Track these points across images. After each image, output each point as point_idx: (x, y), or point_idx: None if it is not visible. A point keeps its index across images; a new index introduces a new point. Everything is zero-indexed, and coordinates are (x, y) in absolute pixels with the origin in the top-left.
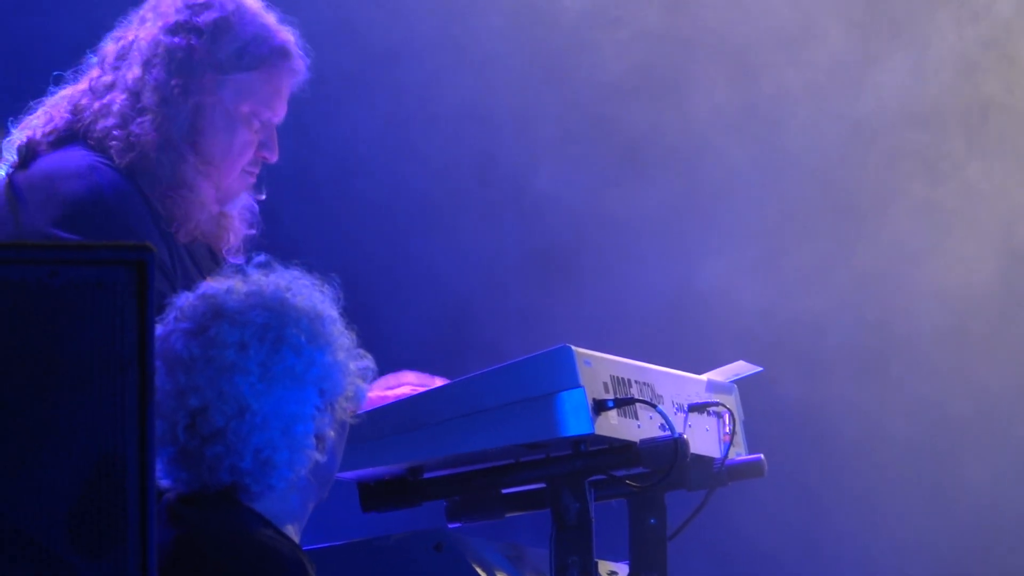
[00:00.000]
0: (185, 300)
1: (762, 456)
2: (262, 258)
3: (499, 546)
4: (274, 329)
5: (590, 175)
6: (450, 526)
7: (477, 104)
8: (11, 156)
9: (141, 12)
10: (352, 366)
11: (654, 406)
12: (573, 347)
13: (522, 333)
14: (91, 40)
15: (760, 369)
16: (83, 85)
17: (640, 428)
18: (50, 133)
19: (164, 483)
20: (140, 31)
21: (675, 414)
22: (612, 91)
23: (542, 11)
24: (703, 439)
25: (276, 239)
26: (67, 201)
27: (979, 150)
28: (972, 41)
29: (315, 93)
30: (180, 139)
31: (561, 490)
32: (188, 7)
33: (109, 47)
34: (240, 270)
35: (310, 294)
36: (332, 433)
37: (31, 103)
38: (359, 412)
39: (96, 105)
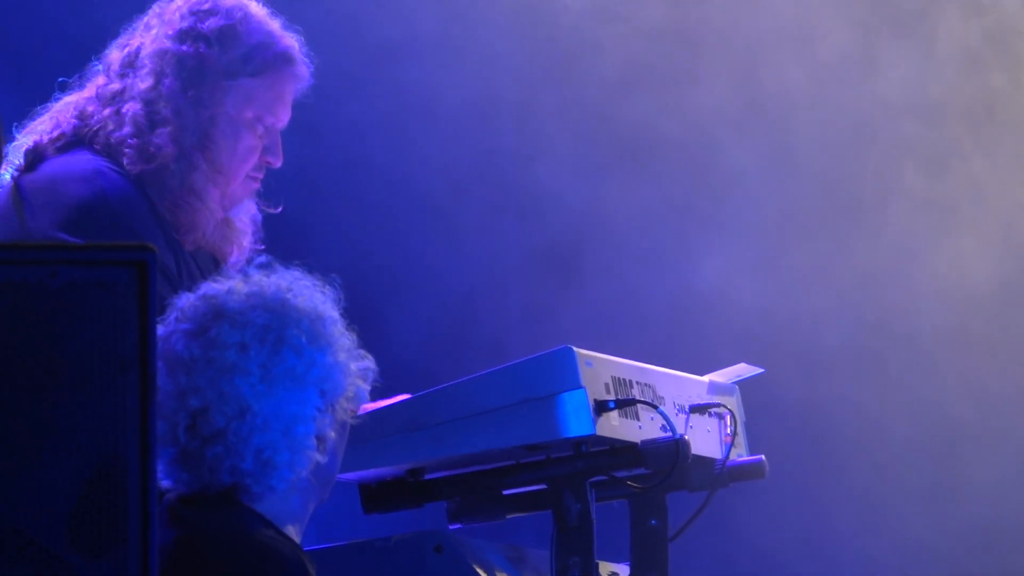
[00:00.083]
0: (186, 301)
1: (763, 457)
2: (263, 259)
3: (500, 547)
4: (275, 330)
5: (591, 173)
6: (451, 527)
7: (478, 102)
8: (18, 160)
9: (146, 19)
10: (353, 367)
11: (655, 407)
12: (574, 348)
13: (524, 332)
14: (96, 42)
15: (761, 371)
16: (88, 92)
17: (641, 429)
18: (57, 139)
19: (165, 484)
20: (146, 38)
21: (676, 415)
22: (614, 88)
23: (544, 8)
24: (704, 440)
25: (276, 239)
26: (72, 204)
27: (982, 147)
28: (977, 36)
29: (316, 91)
30: (193, 148)
31: (562, 491)
32: (192, 13)
33: (114, 55)
34: (241, 271)
35: (311, 295)
36: (333, 434)
37: (36, 109)
38: (360, 413)
39: (105, 112)
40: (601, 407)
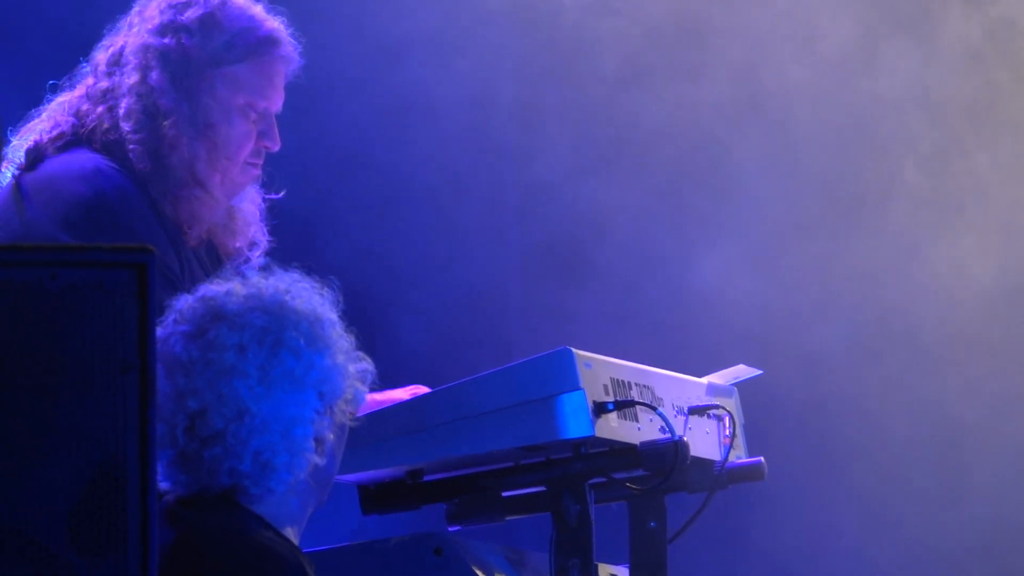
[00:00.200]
0: (184, 303)
1: (762, 459)
2: (262, 261)
3: (499, 549)
4: (273, 332)
5: (591, 172)
6: (450, 529)
7: (479, 100)
8: (18, 159)
9: (128, 19)
10: (351, 369)
11: (654, 409)
12: (573, 349)
13: (525, 332)
14: (97, 42)
15: (760, 372)
16: (79, 92)
17: (640, 431)
18: (57, 138)
19: (163, 485)
20: (128, 37)
21: (675, 417)
22: (614, 87)
23: (544, 7)
24: (703, 442)
25: (276, 239)
26: (72, 204)
27: (984, 146)
28: (979, 33)
29: (316, 87)
30: (193, 138)
31: (561, 493)
32: (171, 7)
33: (100, 55)
34: (239, 273)
35: (309, 297)
36: (331, 436)
37: (29, 112)
38: (359, 415)
39: (99, 110)
40: (600, 409)
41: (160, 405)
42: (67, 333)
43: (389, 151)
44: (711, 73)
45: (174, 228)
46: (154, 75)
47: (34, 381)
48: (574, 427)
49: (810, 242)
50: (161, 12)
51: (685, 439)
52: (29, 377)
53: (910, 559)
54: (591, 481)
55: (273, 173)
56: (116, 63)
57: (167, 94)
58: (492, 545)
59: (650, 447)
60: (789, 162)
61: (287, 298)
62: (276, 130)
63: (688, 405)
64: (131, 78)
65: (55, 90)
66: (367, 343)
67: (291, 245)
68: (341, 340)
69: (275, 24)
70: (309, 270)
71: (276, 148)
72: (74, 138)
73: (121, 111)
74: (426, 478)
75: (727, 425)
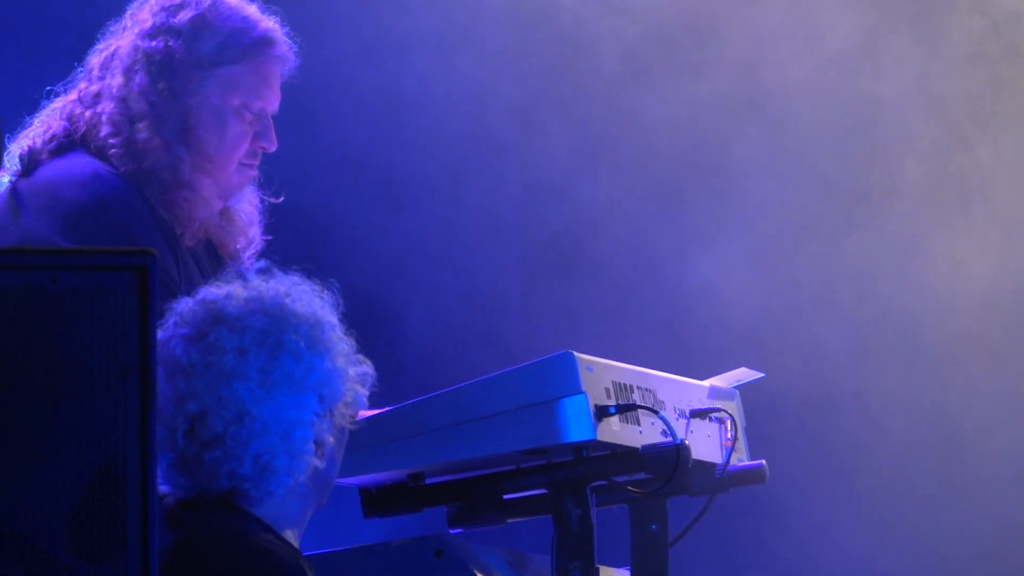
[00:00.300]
0: (185, 305)
1: (764, 462)
2: (262, 263)
3: (501, 552)
4: (273, 335)
5: (592, 170)
6: (451, 532)
7: (478, 99)
8: (14, 165)
9: (122, 22)
10: (351, 372)
11: (656, 412)
12: (575, 353)
13: (525, 330)
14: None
15: (762, 375)
16: (73, 96)
17: (642, 434)
18: (50, 141)
19: (163, 488)
20: (121, 40)
21: (677, 420)
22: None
23: (544, 5)
24: (705, 445)
25: (276, 239)
26: (70, 209)
27: (987, 143)
28: (981, 30)
29: (315, 86)
30: (174, 140)
31: (563, 496)
32: (164, 9)
33: (94, 59)
34: (240, 275)
35: (309, 300)
36: (331, 439)
37: (26, 118)
38: (359, 418)
39: (87, 113)
40: (602, 412)
41: (160, 408)
42: (67, 336)
43: (388, 150)
44: (711, 71)
45: (170, 230)
46: (137, 78)
47: (34, 384)
48: (576, 430)
49: (810, 241)
50: (153, 15)
51: (687, 442)
52: (30, 380)
53: (911, 560)
54: (593, 484)
55: (271, 173)
56: (107, 66)
57: (146, 97)
58: (493, 548)
59: (652, 450)
60: (789, 161)
61: (287, 301)
62: (272, 131)
63: (690, 408)
64: (116, 81)
65: (50, 96)
66: (367, 344)
67: (290, 245)
68: (341, 343)
69: (269, 24)
70: (309, 272)
71: (273, 149)
72: (67, 141)
73: (103, 115)
74: (427, 481)
75: (729, 428)
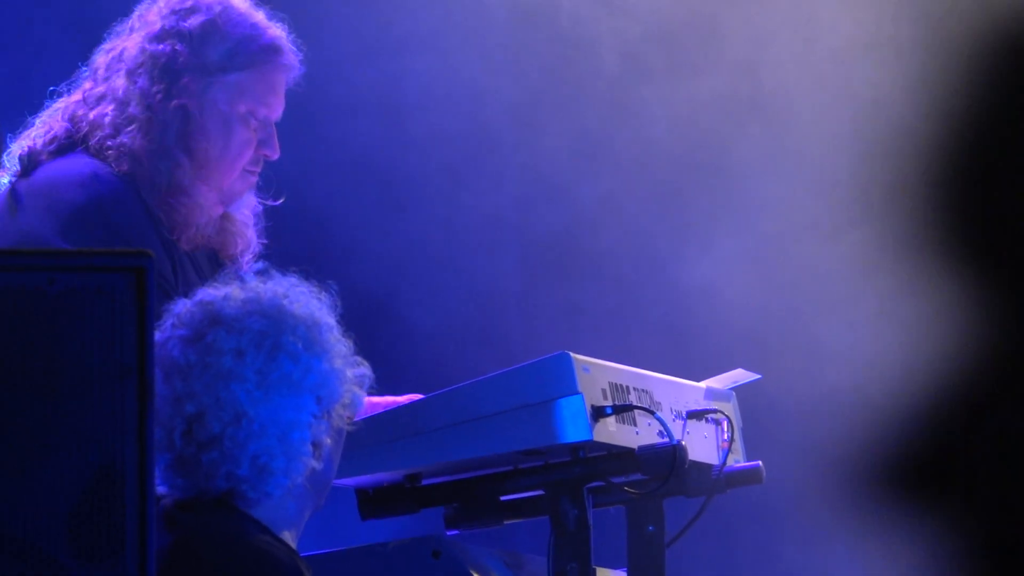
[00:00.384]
0: (182, 307)
1: (760, 463)
2: (260, 265)
3: (497, 553)
4: (271, 336)
5: (592, 170)
6: (448, 533)
7: (477, 98)
8: (13, 166)
9: (130, 22)
10: (349, 373)
11: (652, 413)
12: (572, 354)
13: (524, 330)
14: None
15: (758, 376)
16: (76, 96)
17: (639, 435)
18: (51, 142)
19: (161, 489)
20: (128, 41)
21: (673, 421)
22: (614, 84)
23: (543, 3)
24: (701, 446)
25: (275, 239)
26: (68, 210)
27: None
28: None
29: (315, 86)
30: (171, 145)
31: (560, 497)
32: (174, 12)
33: (100, 59)
34: (238, 277)
35: (307, 301)
36: (329, 440)
37: (29, 118)
38: (356, 419)
39: (91, 115)
40: (598, 413)
41: (158, 409)
42: (65, 337)
43: (388, 151)
44: (711, 71)
45: (167, 233)
46: (141, 81)
47: (33, 385)
48: (572, 431)
49: (810, 242)
50: (162, 18)
51: (683, 443)
52: (28, 381)
53: (910, 559)
54: (589, 485)
55: (272, 174)
56: (112, 68)
57: (149, 101)
58: (490, 549)
59: (648, 451)
60: (789, 161)
61: (285, 302)
62: (276, 138)
63: (686, 409)
64: (119, 83)
65: (53, 96)
66: (366, 344)
67: (289, 246)
68: (339, 344)
69: (277, 32)
70: (309, 273)
71: (276, 156)
72: (68, 142)
73: (105, 117)
74: (424, 482)
75: (725, 429)
